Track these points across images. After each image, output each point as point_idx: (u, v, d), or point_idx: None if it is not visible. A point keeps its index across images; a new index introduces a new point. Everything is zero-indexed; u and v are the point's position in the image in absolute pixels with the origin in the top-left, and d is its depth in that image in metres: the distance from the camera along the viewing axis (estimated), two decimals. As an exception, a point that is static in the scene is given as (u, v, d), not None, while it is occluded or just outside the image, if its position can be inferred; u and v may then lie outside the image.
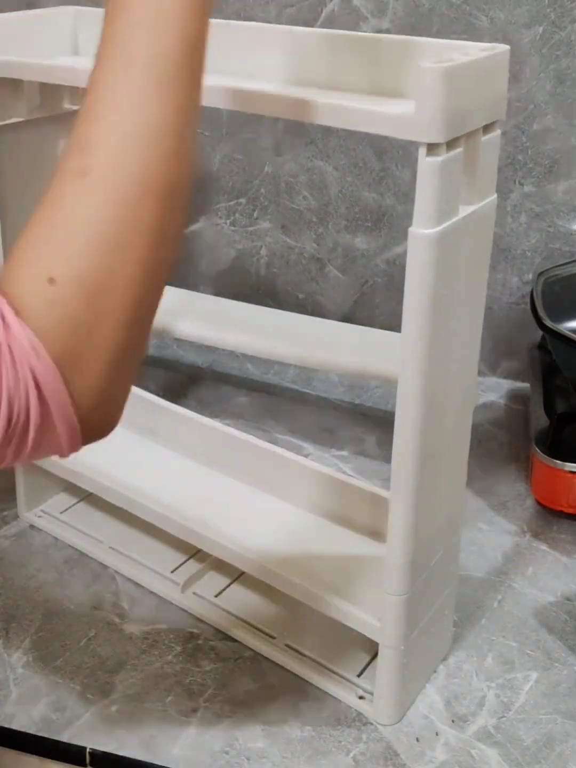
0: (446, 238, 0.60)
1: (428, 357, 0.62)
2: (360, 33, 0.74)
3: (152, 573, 0.91)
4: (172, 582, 0.90)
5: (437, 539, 0.73)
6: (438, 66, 0.55)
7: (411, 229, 0.60)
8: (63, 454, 0.49)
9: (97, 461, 0.90)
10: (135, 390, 1.01)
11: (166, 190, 0.47)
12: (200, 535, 0.84)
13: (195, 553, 0.93)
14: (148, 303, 0.49)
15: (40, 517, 0.99)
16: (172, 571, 0.91)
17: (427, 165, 0.58)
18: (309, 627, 0.84)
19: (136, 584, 0.90)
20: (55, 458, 0.50)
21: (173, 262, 0.49)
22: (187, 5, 0.47)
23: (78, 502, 1.01)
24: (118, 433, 0.52)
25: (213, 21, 0.49)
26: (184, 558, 0.93)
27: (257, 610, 0.87)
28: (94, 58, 0.48)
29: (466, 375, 0.70)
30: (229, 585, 0.90)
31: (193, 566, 0.91)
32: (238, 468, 0.92)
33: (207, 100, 0.52)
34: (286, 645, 0.83)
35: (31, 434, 0.45)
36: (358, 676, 0.80)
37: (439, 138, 0.57)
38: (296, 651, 0.82)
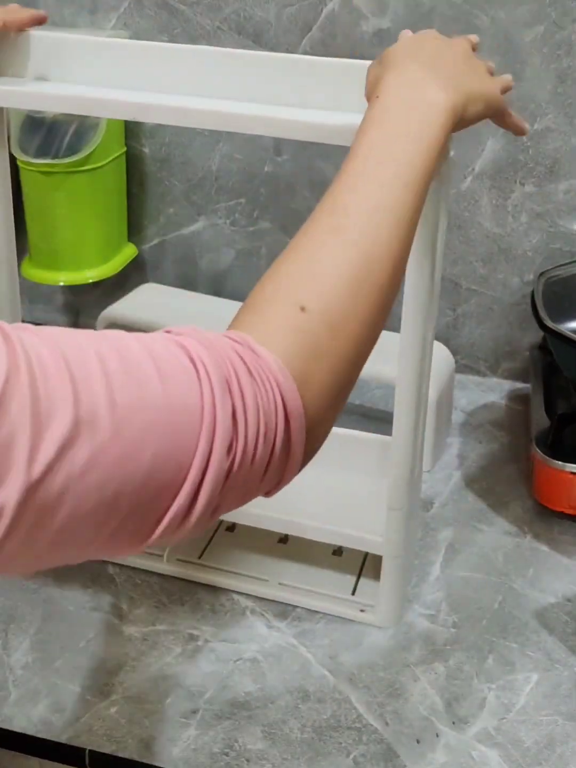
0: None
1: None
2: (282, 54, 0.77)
3: None
4: (154, 553, 0.91)
5: (417, 464, 0.83)
6: None
7: None
8: (280, 484, 0.51)
9: None
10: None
11: (397, 259, 0.56)
12: None
13: None
14: (369, 343, 0.56)
15: None
16: None
17: None
18: (293, 567, 0.92)
19: (136, 585, 0.90)
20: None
21: (387, 318, 0.57)
22: (437, 127, 0.59)
23: None
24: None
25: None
26: None
27: (242, 562, 0.92)
28: (357, 143, 0.59)
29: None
30: (206, 546, 0.93)
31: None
32: None
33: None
34: (280, 583, 0.90)
35: (277, 454, 0.48)
36: (352, 595, 0.89)
37: None
38: (290, 586, 0.90)
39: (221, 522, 0.96)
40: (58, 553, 0.44)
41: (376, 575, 0.86)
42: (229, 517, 0.88)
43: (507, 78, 0.71)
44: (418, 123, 0.59)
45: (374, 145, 0.58)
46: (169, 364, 0.44)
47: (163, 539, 0.45)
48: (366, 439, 0.93)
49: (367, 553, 0.92)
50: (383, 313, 0.55)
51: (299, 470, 0.51)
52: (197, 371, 0.45)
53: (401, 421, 0.78)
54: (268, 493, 0.51)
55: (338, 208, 0.55)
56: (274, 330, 0.50)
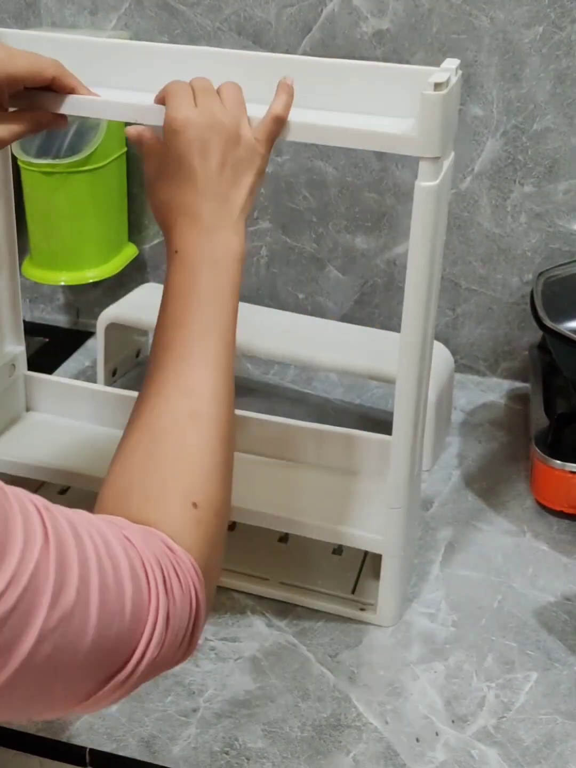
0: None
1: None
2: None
3: None
4: None
5: (416, 463, 0.83)
6: (437, 94, 0.66)
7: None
8: (183, 660, 0.55)
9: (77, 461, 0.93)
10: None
11: (233, 424, 0.62)
12: None
13: None
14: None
15: None
16: None
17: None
18: (294, 566, 0.92)
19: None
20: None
21: None
22: (235, 273, 0.69)
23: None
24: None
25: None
26: None
27: (242, 561, 0.92)
28: (168, 309, 0.65)
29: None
30: None
31: None
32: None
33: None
34: (281, 583, 0.90)
35: (185, 641, 0.53)
36: (352, 593, 0.89)
37: (438, 153, 0.68)
38: (291, 585, 0.90)
39: None
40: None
41: (376, 574, 0.86)
42: (232, 515, 0.88)
43: (281, 100, 0.69)
44: (224, 277, 0.67)
45: (191, 314, 0.63)
46: (128, 569, 0.49)
47: (99, 701, 0.50)
48: (366, 438, 0.93)
49: (366, 552, 0.92)
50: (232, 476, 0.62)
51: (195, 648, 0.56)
52: (146, 575, 0.50)
53: (401, 420, 0.78)
54: (165, 666, 0.54)
55: (189, 390, 0.61)
56: (181, 528, 0.55)
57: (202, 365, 0.62)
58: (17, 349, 0.98)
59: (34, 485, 0.99)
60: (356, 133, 0.69)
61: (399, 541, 0.83)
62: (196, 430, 0.59)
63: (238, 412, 0.96)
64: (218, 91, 0.68)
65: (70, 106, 0.73)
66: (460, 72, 0.73)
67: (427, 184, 0.68)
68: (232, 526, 0.95)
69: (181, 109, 0.66)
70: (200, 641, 0.57)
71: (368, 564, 0.92)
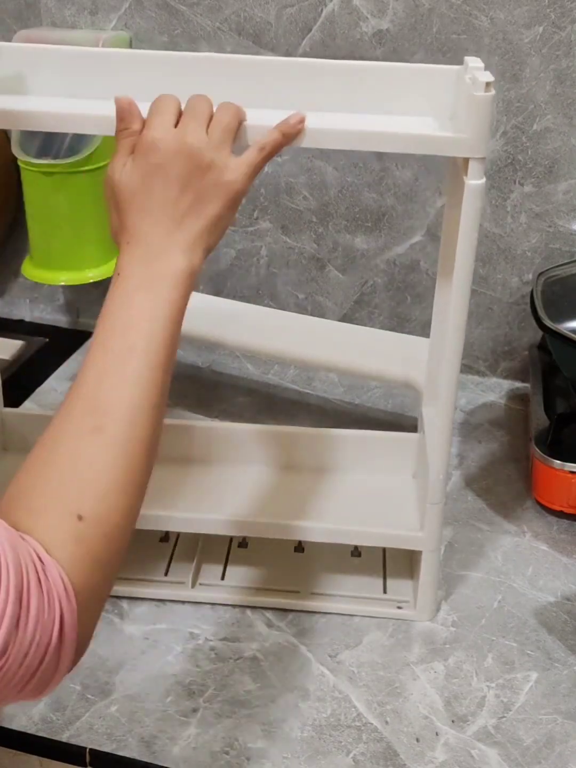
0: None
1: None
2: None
3: (152, 582, 0.90)
4: (176, 582, 0.90)
5: (450, 458, 0.85)
6: (488, 95, 0.66)
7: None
8: (45, 690, 0.52)
9: None
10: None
11: (152, 445, 0.59)
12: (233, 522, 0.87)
13: (172, 554, 0.93)
14: (132, 532, 0.58)
15: None
16: (166, 574, 0.91)
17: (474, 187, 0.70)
18: (317, 574, 0.91)
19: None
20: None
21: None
22: (177, 297, 0.63)
23: None
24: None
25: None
26: (165, 561, 0.92)
27: (265, 576, 0.91)
28: (97, 331, 0.61)
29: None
30: (225, 567, 0.92)
31: (182, 565, 0.91)
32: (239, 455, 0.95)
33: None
34: (312, 593, 0.89)
35: (45, 663, 0.50)
36: (384, 593, 0.89)
37: (486, 152, 0.69)
38: (324, 594, 0.89)
39: (230, 541, 0.94)
40: None
41: (399, 571, 0.88)
42: (245, 531, 0.88)
43: (273, 135, 0.69)
44: (162, 298, 0.62)
45: (118, 335, 0.60)
46: None
47: None
48: (385, 437, 0.94)
49: (385, 551, 0.93)
50: (142, 500, 0.59)
51: (66, 674, 0.53)
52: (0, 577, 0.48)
53: (440, 416, 0.79)
54: (33, 697, 0.52)
55: (96, 408, 0.58)
56: (57, 540, 0.53)
57: (118, 386, 0.58)
58: None
59: None
60: (404, 137, 0.69)
61: (437, 536, 0.84)
62: (96, 447, 0.56)
63: (248, 425, 0.97)
64: (215, 111, 0.66)
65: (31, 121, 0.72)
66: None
67: (476, 182, 0.69)
68: (244, 542, 0.94)
69: (155, 130, 0.64)
70: (69, 677, 0.53)
71: (389, 562, 0.92)
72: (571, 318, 0.99)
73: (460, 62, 0.74)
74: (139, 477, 0.58)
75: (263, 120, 0.69)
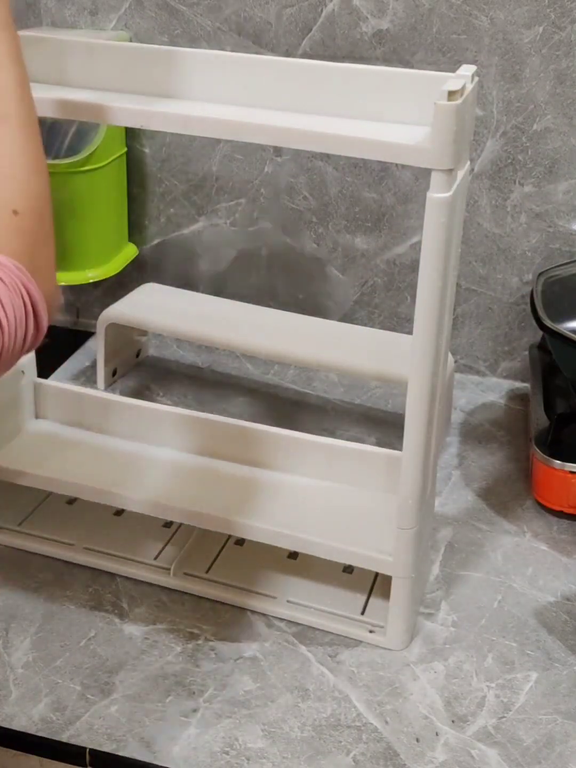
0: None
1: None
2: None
3: (137, 564, 0.92)
4: (161, 567, 0.91)
5: (428, 481, 0.81)
6: (451, 104, 0.64)
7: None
8: (35, 344, 0.59)
9: (86, 469, 0.92)
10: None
11: (37, 123, 0.62)
12: (205, 516, 0.87)
13: (169, 540, 0.94)
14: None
15: None
16: (155, 558, 0.92)
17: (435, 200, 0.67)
18: (303, 583, 0.90)
19: (136, 583, 0.90)
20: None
21: None
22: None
23: (32, 512, 0.98)
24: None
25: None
26: (160, 546, 0.94)
27: (251, 577, 0.90)
28: None
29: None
30: (214, 560, 0.92)
31: (173, 551, 0.93)
32: (231, 452, 0.94)
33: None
34: (288, 601, 0.88)
35: (29, 332, 0.57)
36: (362, 614, 0.87)
37: (452, 164, 0.66)
38: (299, 604, 0.88)
39: (229, 537, 0.94)
40: None
41: (387, 594, 0.83)
42: (237, 531, 0.87)
43: None
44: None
45: None
46: None
47: None
48: (376, 453, 0.91)
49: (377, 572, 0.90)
50: (49, 181, 0.62)
51: (47, 329, 0.59)
52: None
53: (412, 436, 0.75)
54: (29, 350, 0.59)
55: None
56: (3, 239, 0.57)
57: (5, 64, 0.60)
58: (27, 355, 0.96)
59: (42, 495, 0.99)
60: (366, 143, 0.67)
61: (409, 562, 0.80)
62: (6, 135, 0.59)
63: (243, 422, 0.97)
64: None
65: None
66: (476, 78, 0.71)
67: (439, 195, 0.66)
68: (241, 541, 0.94)
69: None
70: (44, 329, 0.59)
71: (380, 582, 0.90)
72: (571, 318, 0.99)
73: (461, 62, 0.74)
74: (41, 151, 0.61)
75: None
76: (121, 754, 0.74)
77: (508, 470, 1.09)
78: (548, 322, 0.99)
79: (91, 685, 0.79)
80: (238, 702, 0.78)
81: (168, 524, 0.96)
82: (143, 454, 0.95)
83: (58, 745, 0.74)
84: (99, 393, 1.07)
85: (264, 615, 0.87)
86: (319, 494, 0.91)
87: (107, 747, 0.74)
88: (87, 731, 0.75)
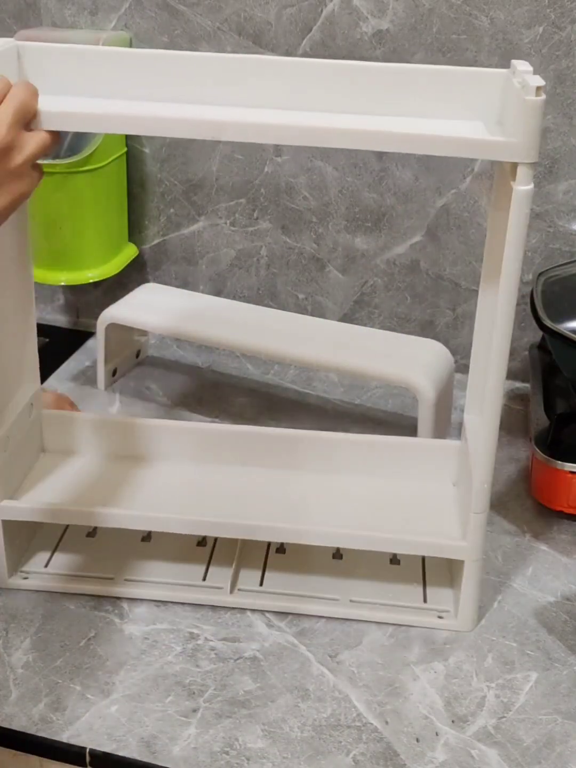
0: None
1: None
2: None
3: (189, 587, 0.89)
4: (216, 586, 0.89)
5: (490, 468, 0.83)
6: (539, 99, 0.67)
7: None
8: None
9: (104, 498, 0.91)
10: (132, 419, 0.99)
11: None
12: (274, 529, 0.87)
13: (210, 559, 0.92)
14: None
15: (26, 578, 0.90)
16: (204, 579, 0.90)
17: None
18: (356, 582, 0.90)
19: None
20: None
21: None
22: None
23: (55, 551, 0.93)
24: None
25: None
26: (202, 566, 0.91)
27: (303, 583, 0.90)
28: None
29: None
30: (263, 574, 0.91)
31: (221, 571, 0.90)
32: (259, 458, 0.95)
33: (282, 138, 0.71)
34: (351, 601, 0.88)
35: None
36: (424, 602, 0.88)
37: (537, 157, 0.68)
38: (363, 602, 0.88)
39: (269, 546, 0.93)
40: None
41: (439, 580, 0.87)
42: (285, 537, 0.87)
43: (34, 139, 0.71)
44: None
45: None
46: None
47: None
48: (422, 444, 0.94)
49: (424, 559, 0.92)
50: None
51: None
52: None
53: (486, 425, 0.79)
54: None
55: None
56: None
57: None
58: (34, 387, 0.94)
59: (58, 531, 0.94)
60: (454, 141, 0.69)
61: (480, 545, 0.83)
62: None
63: (291, 430, 0.97)
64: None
65: None
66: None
67: (524, 188, 0.69)
68: (282, 548, 0.93)
69: None
70: None
71: (429, 570, 0.91)
72: (571, 318, 0.99)
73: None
74: None
75: (291, 120, 0.71)
76: (121, 754, 0.74)
77: (508, 470, 1.09)
78: (548, 322, 0.99)
79: (91, 685, 0.79)
80: (238, 702, 0.78)
81: (201, 543, 0.93)
82: (170, 472, 0.95)
83: (58, 745, 0.75)
84: (104, 416, 1.06)
85: (264, 614, 0.87)
86: (368, 488, 0.92)
87: (107, 747, 0.74)
88: (87, 731, 0.75)
